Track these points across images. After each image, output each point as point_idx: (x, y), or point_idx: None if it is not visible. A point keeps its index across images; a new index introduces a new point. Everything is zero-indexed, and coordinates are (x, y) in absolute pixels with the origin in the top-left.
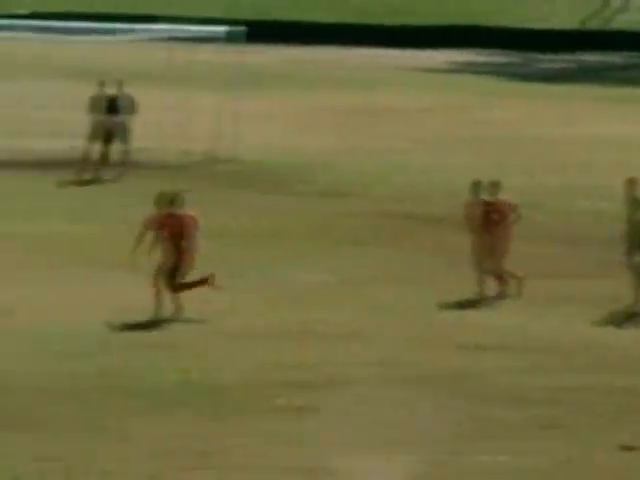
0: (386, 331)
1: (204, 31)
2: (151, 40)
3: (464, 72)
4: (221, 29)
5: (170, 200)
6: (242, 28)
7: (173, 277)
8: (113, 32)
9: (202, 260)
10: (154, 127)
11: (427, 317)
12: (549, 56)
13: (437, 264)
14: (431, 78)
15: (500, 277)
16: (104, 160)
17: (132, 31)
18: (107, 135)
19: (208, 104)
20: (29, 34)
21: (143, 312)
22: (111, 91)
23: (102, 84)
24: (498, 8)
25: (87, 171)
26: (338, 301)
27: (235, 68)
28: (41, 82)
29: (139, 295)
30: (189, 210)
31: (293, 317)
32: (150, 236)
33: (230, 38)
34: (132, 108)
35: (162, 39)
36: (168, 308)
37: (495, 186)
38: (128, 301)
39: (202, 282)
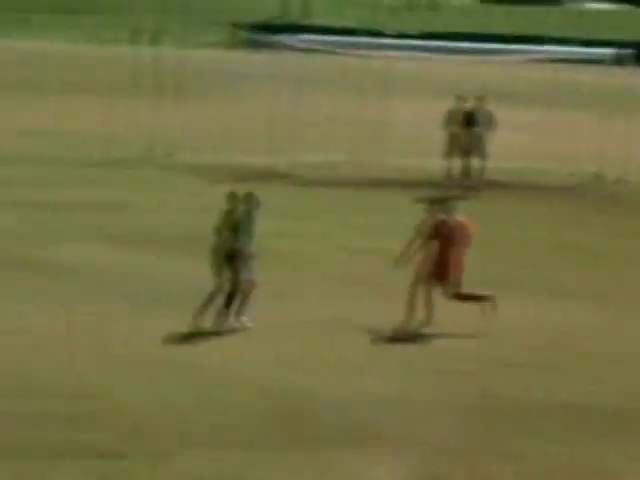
0: None
1: (590, 53)
2: (533, 61)
3: None
4: (608, 51)
5: (442, 204)
6: (630, 50)
7: (444, 285)
8: (497, 52)
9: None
10: (533, 148)
11: None
12: None
13: None
14: None
15: None
16: (466, 175)
17: (514, 52)
18: (464, 149)
19: (593, 126)
20: (419, 54)
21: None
22: (469, 105)
23: (461, 98)
24: None
25: (450, 187)
26: None
27: (623, 90)
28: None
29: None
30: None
31: None
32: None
33: (618, 60)
34: (490, 123)
35: (544, 60)
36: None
37: None
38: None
39: (483, 298)
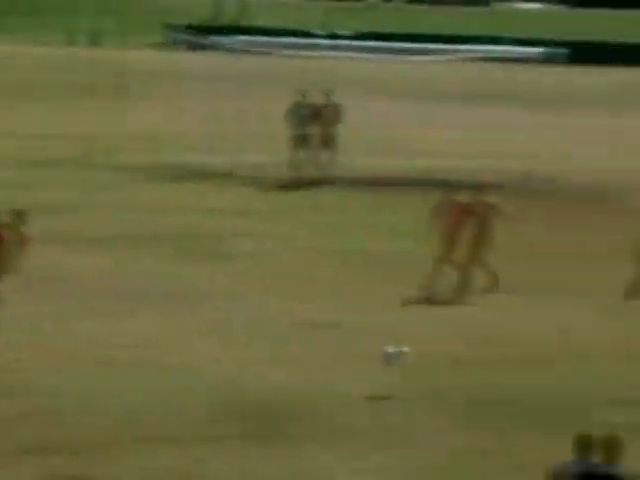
0: None
1: (521, 52)
2: (465, 60)
3: None
4: (539, 50)
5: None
6: (562, 49)
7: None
8: (426, 52)
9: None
10: (464, 145)
11: None
12: None
13: None
14: None
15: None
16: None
17: (446, 51)
18: (313, 143)
19: (526, 122)
20: (352, 54)
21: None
22: (317, 100)
23: (306, 93)
24: None
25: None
26: None
27: (555, 88)
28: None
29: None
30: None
31: None
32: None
33: (549, 59)
34: (338, 118)
35: (476, 59)
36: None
37: None
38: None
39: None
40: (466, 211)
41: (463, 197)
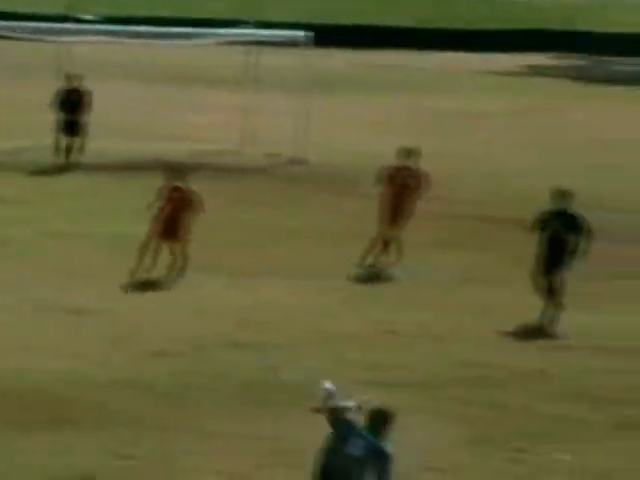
0: (464, 332)
1: (279, 35)
2: (222, 44)
3: (537, 75)
4: (302, 33)
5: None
6: (310, 33)
7: None
8: (188, 36)
9: (293, 260)
10: (230, 130)
11: (507, 318)
12: (620, 59)
13: (512, 266)
14: (505, 82)
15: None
16: (69, 152)
17: (206, 35)
18: (68, 128)
19: (283, 107)
20: (99, 38)
21: (223, 313)
22: (72, 85)
23: (69, 77)
24: (568, 13)
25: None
26: (418, 302)
27: (305, 71)
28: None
29: (220, 295)
30: None
31: (372, 317)
32: None
33: (296, 42)
34: (89, 103)
35: (237, 43)
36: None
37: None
38: (212, 302)
39: None
40: (180, 194)
41: (183, 181)
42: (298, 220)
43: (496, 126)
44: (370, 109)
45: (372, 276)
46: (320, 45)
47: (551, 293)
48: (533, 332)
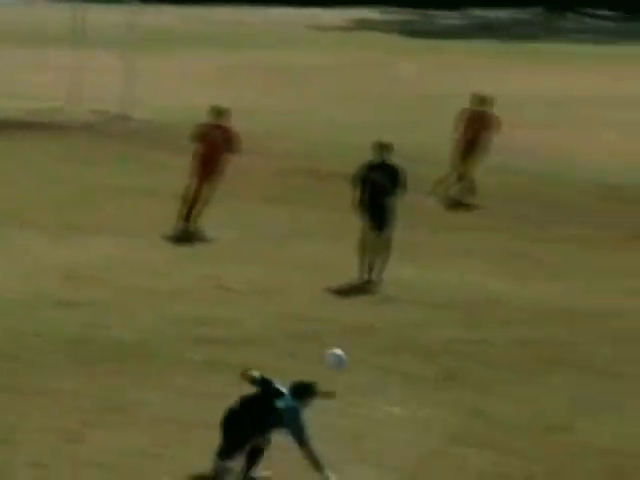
0: (294, 287)
1: None
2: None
3: (365, 30)
4: None
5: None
6: None
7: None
8: None
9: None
10: (60, 87)
11: (334, 273)
12: (447, 13)
13: (341, 221)
14: (335, 36)
15: None
16: None
17: None
18: None
19: (111, 65)
20: None
21: (51, 270)
22: None
23: None
24: None
25: None
26: (247, 258)
27: (132, 28)
28: None
29: (48, 253)
30: None
31: (201, 273)
32: None
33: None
34: None
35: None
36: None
37: None
38: (40, 260)
39: None
40: None
41: None
42: (125, 178)
43: (325, 81)
44: (203, 66)
45: (200, 233)
46: (149, 1)
47: (378, 248)
48: (361, 287)
